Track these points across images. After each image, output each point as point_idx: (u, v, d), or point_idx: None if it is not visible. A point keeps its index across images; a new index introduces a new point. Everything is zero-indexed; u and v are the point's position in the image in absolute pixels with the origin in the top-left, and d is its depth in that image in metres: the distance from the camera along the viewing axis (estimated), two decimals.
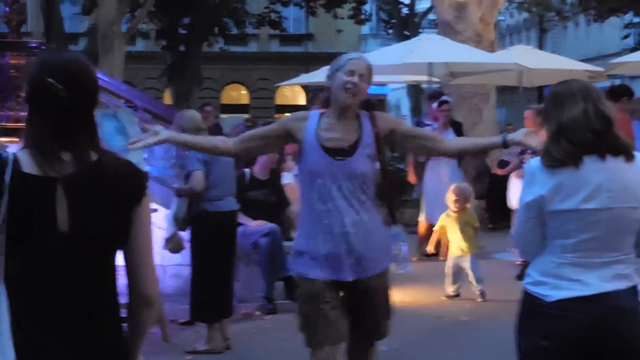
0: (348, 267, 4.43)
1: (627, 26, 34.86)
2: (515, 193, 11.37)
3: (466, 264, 9.44)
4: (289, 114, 5.18)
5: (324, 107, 4.61)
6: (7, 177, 2.59)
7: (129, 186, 2.74)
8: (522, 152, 10.65)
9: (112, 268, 2.75)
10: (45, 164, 2.64)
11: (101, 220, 2.67)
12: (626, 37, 35.30)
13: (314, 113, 4.56)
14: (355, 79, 4.41)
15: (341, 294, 4.54)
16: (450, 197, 9.75)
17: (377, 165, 4.58)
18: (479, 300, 9.35)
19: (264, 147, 4.82)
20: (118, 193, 2.70)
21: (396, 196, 5.06)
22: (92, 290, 2.69)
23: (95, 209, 2.66)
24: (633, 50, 29.03)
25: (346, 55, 4.59)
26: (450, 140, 4.62)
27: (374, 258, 4.49)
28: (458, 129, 12.34)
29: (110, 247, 2.73)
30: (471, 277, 9.44)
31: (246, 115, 35.70)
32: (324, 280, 4.45)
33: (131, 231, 2.74)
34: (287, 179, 10.31)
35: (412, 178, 12.81)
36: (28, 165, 2.64)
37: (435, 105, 12.30)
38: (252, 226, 9.15)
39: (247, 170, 9.43)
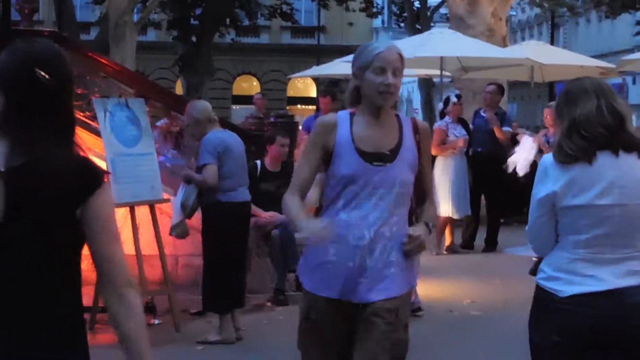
0: (356, 286, 3.87)
1: (639, 23, 34.76)
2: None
3: None
4: (315, 121, 4.60)
5: (352, 104, 4.08)
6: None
7: (78, 180, 2.66)
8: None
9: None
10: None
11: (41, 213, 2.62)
12: (638, 33, 35.19)
13: (343, 116, 4.02)
14: (390, 79, 3.87)
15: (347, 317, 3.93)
16: None
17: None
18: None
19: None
20: (63, 187, 2.64)
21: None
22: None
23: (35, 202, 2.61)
24: None
25: (373, 48, 3.95)
26: (427, 206, 4.14)
27: (390, 280, 3.89)
28: (465, 126, 12.43)
29: (56, 240, 2.66)
30: None
31: None
32: (327, 299, 3.92)
33: (90, 227, 2.67)
34: None
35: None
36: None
37: (453, 100, 12.28)
38: (264, 218, 9.19)
39: (258, 162, 9.42)
